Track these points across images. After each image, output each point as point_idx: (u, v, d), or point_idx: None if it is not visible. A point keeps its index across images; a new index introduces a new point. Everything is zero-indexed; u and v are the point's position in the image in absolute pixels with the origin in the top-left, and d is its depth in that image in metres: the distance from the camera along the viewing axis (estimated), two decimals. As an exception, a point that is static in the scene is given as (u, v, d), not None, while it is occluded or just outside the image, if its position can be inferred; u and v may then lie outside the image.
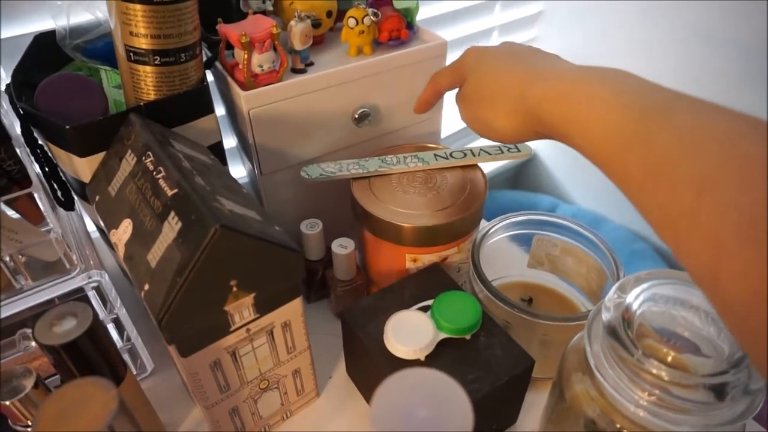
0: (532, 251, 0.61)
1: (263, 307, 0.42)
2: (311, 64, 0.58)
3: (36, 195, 0.46)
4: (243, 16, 0.55)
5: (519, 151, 0.59)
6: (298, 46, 0.54)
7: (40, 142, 0.48)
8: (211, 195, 0.38)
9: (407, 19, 0.61)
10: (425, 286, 0.51)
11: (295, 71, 0.56)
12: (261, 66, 0.52)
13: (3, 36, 0.62)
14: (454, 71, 0.47)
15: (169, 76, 0.46)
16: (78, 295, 0.47)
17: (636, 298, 0.37)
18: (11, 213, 0.49)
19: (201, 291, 0.36)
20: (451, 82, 0.48)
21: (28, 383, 0.38)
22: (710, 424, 0.32)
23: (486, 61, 0.43)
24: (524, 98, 0.38)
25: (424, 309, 0.47)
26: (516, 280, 0.63)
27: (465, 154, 0.58)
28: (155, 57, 0.45)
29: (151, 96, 0.47)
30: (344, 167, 0.57)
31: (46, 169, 0.49)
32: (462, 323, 0.45)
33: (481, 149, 0.59)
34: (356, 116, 0.59)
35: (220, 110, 0.54)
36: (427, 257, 0.54)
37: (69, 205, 0.51)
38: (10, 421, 0.40)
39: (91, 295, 0.47)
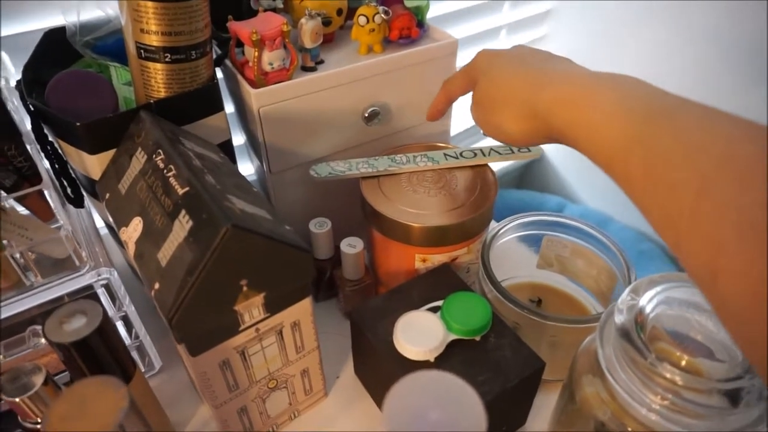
0: (541, 252, 0.61)
1: (273, 307, 0.42)
2: (321, 62, 0.57)
3: (46, 192, 0.46)
4: (253, 13, 0.55)
5: (529, 151, 0.59)
6: (308, 44, 0.54)
7: (50, 138, 0.48)
8: (222, 194, 0.38)
9: (418, 18, 0.60)
10: (434, 287, 0.50)
11: (305, 69, 0.56)
12: (271, 64, 0.52)
13: (11, 32, 0.62)
14: (465, 75, 0.47)
15: (180, 73, 0.46)
16: (87, 293, 0.47)
17: (649, 301, 0.37)
18: (21, 210, 0.49)
19: (211, 290, 0.36)
20: (463, 87, 0.48)
21: (38, 380, 0.38)
22: (724, 430, 0.32)
23: (497, 65, 0.43)
24: (535, 103, 0.38)
25: (434, 310, 0.47)
26: (525, 281, 0.63)
27: (475, 154, 0.58)
28: (166, 54, 0.45)
29: (162, 93, 0.47)
30: (354, 166, 0.56)
31: (56, 166, 0.49)
32: (472, 324, 0.45)
33: (491, 149, 0.58)
34: (366, 115, 0.59)
35: (229, 108, 0.54)
36: (437, 257, 0.54)
37: (79, 203, 0.51)
38: (19, 418, 0.40)
39: (101, 292, 0.48)
